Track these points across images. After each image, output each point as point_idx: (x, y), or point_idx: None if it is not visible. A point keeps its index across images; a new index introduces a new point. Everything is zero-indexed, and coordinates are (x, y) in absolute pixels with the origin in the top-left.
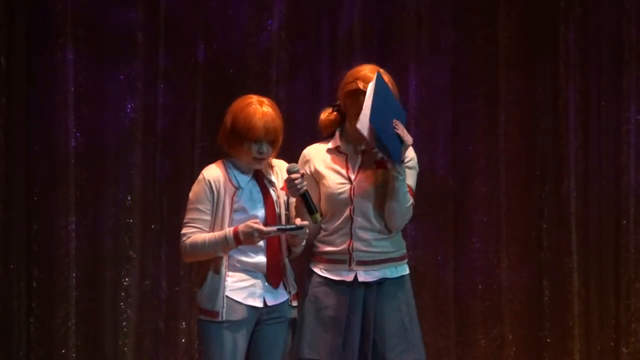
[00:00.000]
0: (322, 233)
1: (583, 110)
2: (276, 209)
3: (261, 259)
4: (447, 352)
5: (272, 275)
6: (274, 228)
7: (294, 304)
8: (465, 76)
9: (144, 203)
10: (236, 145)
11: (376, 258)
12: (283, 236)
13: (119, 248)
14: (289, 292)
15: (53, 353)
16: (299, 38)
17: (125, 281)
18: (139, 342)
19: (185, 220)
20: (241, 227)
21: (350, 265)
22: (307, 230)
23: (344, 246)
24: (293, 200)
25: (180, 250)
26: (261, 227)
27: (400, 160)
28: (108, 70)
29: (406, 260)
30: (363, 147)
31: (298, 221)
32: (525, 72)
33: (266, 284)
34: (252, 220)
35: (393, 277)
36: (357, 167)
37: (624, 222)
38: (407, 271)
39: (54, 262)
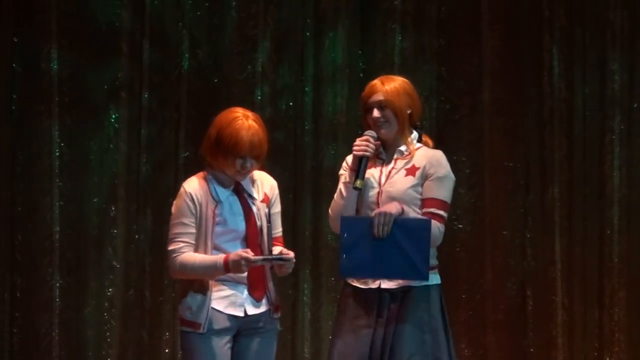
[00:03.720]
0: None
1: (567, 120)
2: (257, 221)
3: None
4: None
5: (253, 288)
6: (259, 258)
7: (276, 315)
8: (449, 86)
9: (128, 213)
10: (220, 158)
11: None
12: (266, 247)
13: (103, 258)
14: (271, 303)
15: None
16: (283, 48)
17: (109, 291)
18: (122, 352)
19: (171, 236)
20: (231, 255)
21: None
22: (294, 261)
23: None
24: (275, 212)
25: (169, 266)
26: (249, 256)
27: (421, 274)
28: (92, 80)
29: (435, 270)
30: (396, 155)
31: (284, 250)
32: (509, 82)
33: (247, 294)
34: (242, 250)
35: (417, 286)
36: (388, 172)
37: (608, 231)
38: (434, 281)
39: (38, 272)
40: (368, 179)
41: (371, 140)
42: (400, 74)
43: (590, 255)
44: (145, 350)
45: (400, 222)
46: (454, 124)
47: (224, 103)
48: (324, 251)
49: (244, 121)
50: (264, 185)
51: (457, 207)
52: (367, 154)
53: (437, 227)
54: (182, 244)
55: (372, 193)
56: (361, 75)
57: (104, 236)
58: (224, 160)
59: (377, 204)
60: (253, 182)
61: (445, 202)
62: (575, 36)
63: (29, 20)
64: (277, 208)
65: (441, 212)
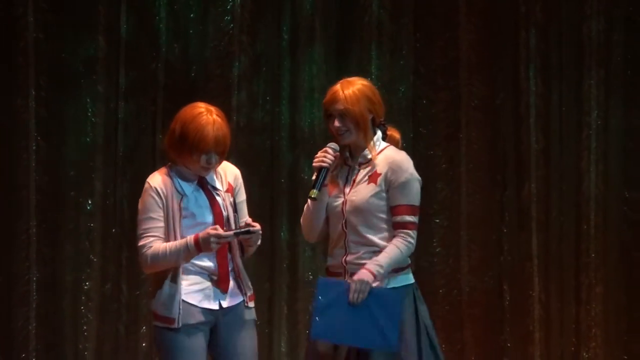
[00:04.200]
0: (329, 245)
1: (544, 115)
2: (223, 212)
3: (209, 263)
4: None
5: (221, 281)
6: (230, 233)
7: (251, 304)
8: (426, 81)
9: (105, 207)
10: (185, 154)
11: None
12: (234, 241)
13: (80, 252)
14: (245, 294)
15: (13, 357)
16: (259, 42)
17: (86, 285)
18: (99, 346)
19: (140, 232)
20: (201, 234)
21: (345, 277)
22: (260, 233)
23: (340, 259)
24: (240, 200)
25: (140, 262)
26: (219, 232)
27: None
28: (68, 73)
29: (406, 271)
30: (360, 160)
31: (249, 220)
32: (486, 77)
33: (216, 288)
34: (211, 227)
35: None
36: (352, 180)
37: (585, 227)
38: (404, 282)
39: (14, 266)
40: (324, 190)
41: (329, 151)
42: (378, 68)
43: (567, 250)
44: (122, 344)
45: (374, 291)
46: (430, 118)
47: (201, 96)
48: (300, 246)
49: (209, 116)
50: (227, 175)
51: (434, 202)
52: (324, 165)
53: (403, 245)
54: (152, 239)
55: (338, 203)
56: (338, 70)
57: (80, 230)
58: (189, 157)
59: (342, 212)
60: (216, 173)
61: (413, 205)
62: (552, 32)
63: (9, 24)
64: (242, 197)
65: (410, 219)
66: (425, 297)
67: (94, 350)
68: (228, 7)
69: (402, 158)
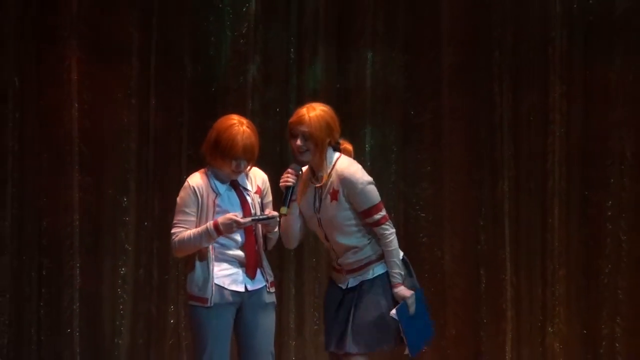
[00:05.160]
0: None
1: (514, 125)
2: (252, 210)
3: (240, 252)
4: None
5: (249, 267)
6: (248, 219)
7: (271, 290)
8: (414, 94)
9: (138, 204)
10: (218, 158)
11: (355, 267)
12: (259, 232)
13: (117, 242)
14: (267, 280)
15: (59, 332)
16: (270, 61)
17: (122, 270)
18: (133, 323)
19: (174, 222)
20: (220, 219)
21: (343, 274)
22: (278, 219)
23: (335, 261)
24: (267, 201)
25: (171, 246)
26: (238, 218)
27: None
28: (107, 90)
29: (383, 261)
30: (319, 179)
31: (268, 212)
32: (465, 91)
33: (244, 274)
34: (232, 213)
35: (370, 278)
36: (320, 197)
37: (550, 220)
38: (385, 269)
39: (61, 254)
40: (294, 204)
41: (291, 172)
42: (372, 84)
43: (535, 240)
44: (154, 321)
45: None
46: (417, 127)
47: (220, 108)
48: (305, 237)
49: (239, 127)
50: (257, 179)
51: (420, 199)
52: (289, 183)
53: (388, 236)
54: (181, 229)
55: (314, 220)
56: (338, 86)
57: (117, 223)
58: (222, 161)
59: (321, 227)
60: (247, 176)
61: (375, 204)
62: (521, 52)
63: (53, 36)
64: (268, 198)
65: (378, 216)
66: None
67: (129, 327)
68: (243, 31)
69: (351, 171)
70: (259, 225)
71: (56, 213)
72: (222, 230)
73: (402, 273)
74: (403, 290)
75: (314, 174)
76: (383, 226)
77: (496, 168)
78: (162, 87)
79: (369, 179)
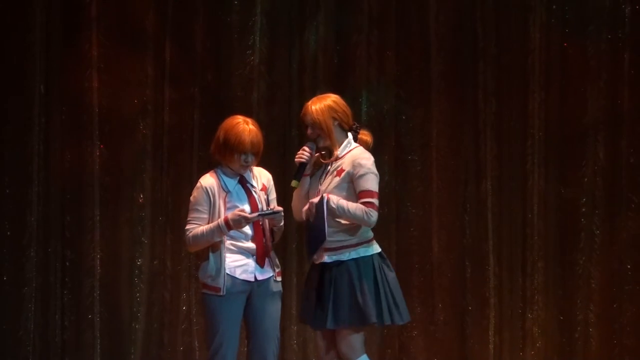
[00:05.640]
0: None
1: (497, 128)
2: (258, 204)
3: (251, 244)
4: None
5: (259, 257)
6: (255, 214)
7: (278, 279)
8: (404, 101)
9: (153, 200)
10: (227, 155)
11: (334, 246)
12: (267, 226)
13: (134, 235)
14: (274, 270)
15: (82, 317)
16: (274, 71)
17: (139, 261)
18: (149, 309)
19: (188, 219)
20: (230, 215)
21: (326, 252)
22: (282, 214)
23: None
24: (272, 198)
25: (184, 242)
26: (246, 214)
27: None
28: (125, 96)
29: (363, 246)
30: (333, 158)
31: (272, 206)
32: (452, 98)
33: (255, 263)
34: (238, 209)
35: (347, 259)
36: (325, 173)
37: (529, 215)
38: (363, 254)
39: (83, 246)
40: (305, 179)
41: (306, 149)
42: (367, 92)
43: (515, 234)
44: (167, 307)
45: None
46: (408, 131)
47: (228, 114)
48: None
49: (245, 125)
50: (262, 177)
51: (412, 197)
52: (303, 160)
53: (364, 212)
54: (194, 225)
55: (312, 191)
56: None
57: (134, 218)
58: (231, 157)
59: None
60: (253, 175)
61: (371, 190)
62: (503, 63)
63: (75, 48)
64: (273, 195)
65: (369, 199)
66: (404, 270)
67: (145, 313)
68: (249, 43)
69: (364, 157)
70: (266, 220)
71: (78, 209)
72: (232, 225)
73: (339, 211)
74: (315, 200)
75: (328, 154)
76: (371, 209)
77: (480, 168)
78: (175, 94)
79: (376, 172)
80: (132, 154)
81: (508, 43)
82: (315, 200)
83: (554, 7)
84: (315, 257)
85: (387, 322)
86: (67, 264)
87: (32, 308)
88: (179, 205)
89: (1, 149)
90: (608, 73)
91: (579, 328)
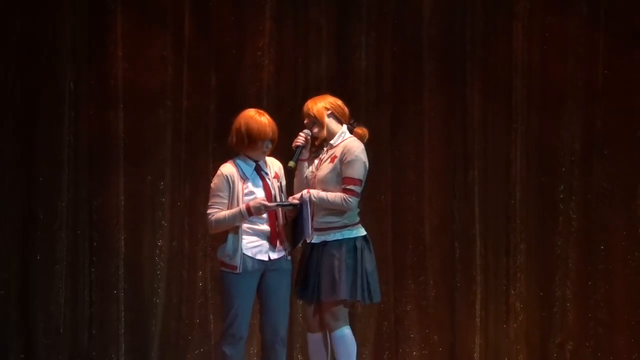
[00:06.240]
0: None
1: (483, 122)
2: (271, 190)
3: (265, 227)
4: (386, 293)
5: (272, 239)
6: (274, 204)
7: (289, 258)
8: (399, 99)
9: (172, 186)
10: (250, 143)
11: (322, 227)
12: (279, 212)
13: (155, 219)
14: (285, 250)
15: (108, 293)
16: (283, 70)
17: (159, 242)
18: (168, 285)
19: (209, 204)
20: (252, 203)
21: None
22: (298, 206)
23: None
24: (283, 184)
25: (206, 225)
26: (266, 203)
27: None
28: (146, 92)
29: (348, 228)
30: (327, 147)
31: (290, 198)
32: (442, 95)
33: (269, 244)
34: (260, 198)
35: (331, 240)
36: (320, 160)
37: (512, 201)
38: (347, 236)
39: (109, 229)
40: (304, 164)
41: (302, 135)
42: (365, 90)
43: (500, 218)
44: (185, 284)
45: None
46: (403, 125)
47: (240, 108)
48: None
49: (262, 116)
50: (274, 166)
51: (406, 185)
52: (299, 143)
53: (342, 199)
54: (216, 210)
55: (310, 175)
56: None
57: (155, 203)
58: (254, 144)
59: (312, 184)
60: (266, 164)
61: (353, 178)
62: (489, 62)
63: (101, 50)
64: (284, 182)
65: (350, 187)
66: (399, 251)
67: (165, 288)
68: (260, 45)
69: (355, 146)
70: (280, 208)
71: (105, 195)
72: (253, 212)
73: (321, 202)
74: (304, 196)
75: (322, 144)
76: (349, 196)
77: (468, 159)
78: (193, 90)
79: (366, 161)
80: (153, 145)
81: (493, 45)
82: (298, 197)
83: (534, 13)
84: (307, 237)
85: (359, 299)
86: (95, 244)
87: (63, 284)
88: (195, 192)
89: (35, 141)
90: (586, 74)
91: (557, 303)
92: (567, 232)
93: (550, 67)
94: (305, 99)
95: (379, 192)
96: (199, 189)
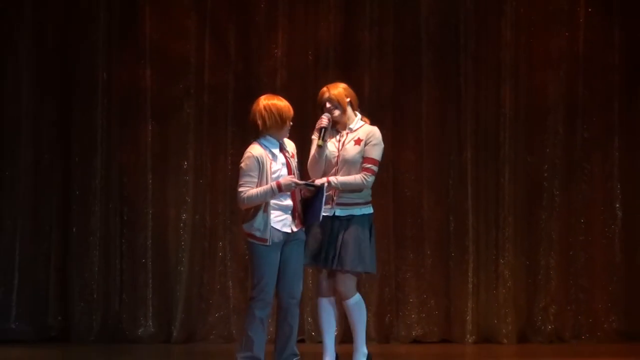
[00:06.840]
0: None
1: (475, 109)
2: (292, 168)
3: (289, 202)
4: (388, 262)
5: (294, 213)
6: (302, 182)
7: (303, 229)
8: (401, 87)
9: (195, 166)
10: (281, 124)
11: (346, 202)
12: (298, 189)
13: (179, 195)
14: (301, 223)
15: (136, 262)
16: (294, 63)
17: (183, 216)
18: (192, 255)
19: (240, 183)
20: (282, 180)
21: (333, 207)
22: (317, 189)
23: (330, 193)
24: (297, 163)
25: (238, 201)
26: (297, 180)
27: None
28: (172, 82)
29: (365, 205)
30: (347, 131)
31: (318, 182)
32: (438, 85)
33: (292, 218)
34: (290, 176)
35: (358, 214)
36: (342, 142)
37: (501, 180)
38: (364, 212)
39: (138, 204)
40: (327, 145)
41: (325, 117)
42: (370, 89)
43: (490, 195)
44: (206, 254)
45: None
46: (403, 110)
47: (256, 97)
48: None
49: (282, 100)
50: (290, 146)
51: (405, 164)
52: (323, 125)
53: (362, 177)
54: (247, 188)
55: (334, 156)
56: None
57: (179, 181)
58: (283, 125)
59: (337, 163)
60: (286, 144)
61: (375, 159)
62: (481, 56)
63: (133, 51)
64: (296, 161)
65: (370, 166)
66: (399, 224)
67: (188, 258)
68: (273, 38)
69: (376, 131)
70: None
71: (134, 173)
72: (284, 189)
73: (343, 186)
74: (323, 180)
75: (342, 128)
76: (368, 174)
77: (461, 141)
78: (213, 81)
79: (383, 144)
80: (177, 128)
81: (485, 40)
82: (321, 182)
83: (522, 10)
84: (317, 221)
85: (374, 271)
86: (125, 218)
87: (97, 254)
88: (215, 170)
89: (72, 125)
90: (566, 64)
91: (541, 271)
92: (551, 207)
93: (536, 58)
94: (316, 92)
95: (381, 170)
96: (219, 169)
